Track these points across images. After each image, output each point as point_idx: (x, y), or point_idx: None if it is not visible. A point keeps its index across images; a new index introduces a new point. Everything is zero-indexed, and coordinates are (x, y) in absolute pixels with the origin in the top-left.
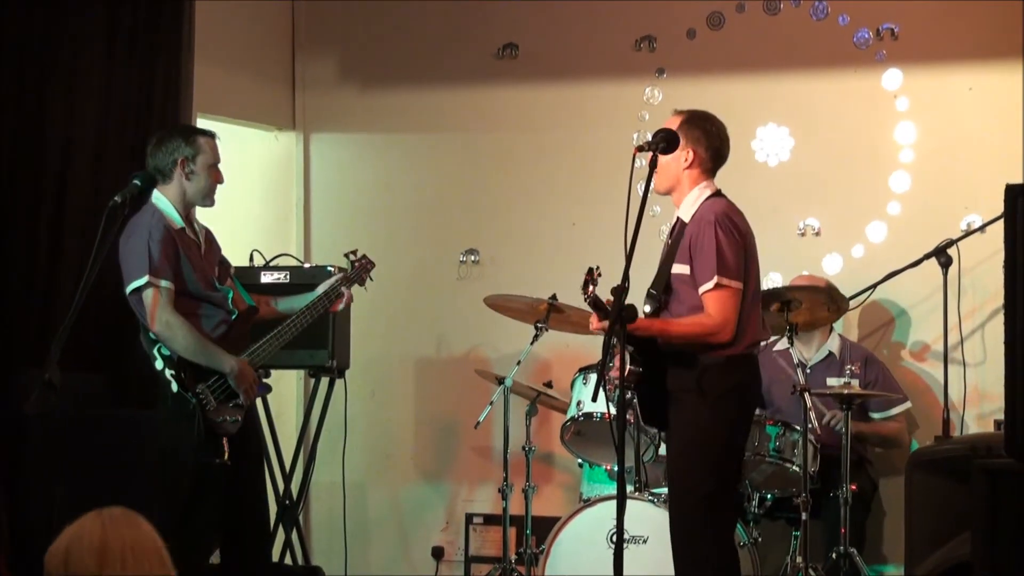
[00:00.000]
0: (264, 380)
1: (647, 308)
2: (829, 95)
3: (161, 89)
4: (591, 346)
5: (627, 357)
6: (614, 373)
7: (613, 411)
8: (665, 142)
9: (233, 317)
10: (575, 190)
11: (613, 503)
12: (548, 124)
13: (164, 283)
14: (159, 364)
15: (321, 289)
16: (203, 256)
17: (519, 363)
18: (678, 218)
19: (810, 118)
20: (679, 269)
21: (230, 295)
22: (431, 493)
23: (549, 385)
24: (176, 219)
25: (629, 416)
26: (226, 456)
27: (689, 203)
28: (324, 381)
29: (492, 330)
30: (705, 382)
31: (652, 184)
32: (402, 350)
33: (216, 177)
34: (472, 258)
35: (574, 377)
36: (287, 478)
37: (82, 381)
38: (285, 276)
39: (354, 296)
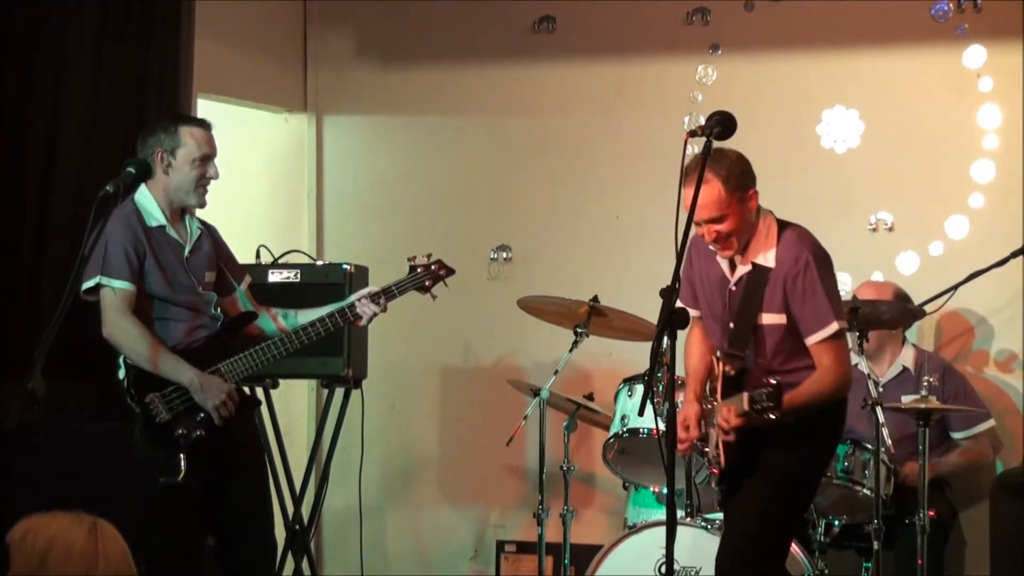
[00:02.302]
0: (251, 394)
1: (728, 371)
2: (903, 74)
3: (158, 66)
4: (637, 354)
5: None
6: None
7: (662, 427)
8: (721, 126)
9: (218, 324)
10: (619, 180)
11: (661, 530)
12: (589, 106)
13: (118, 283)
14: (121, 373)
15: (340, 305)
16: (188, 257)
17: (556, 372)
18: (753, 264)
19: (882, 100)
20: (772, 319)
21: (214, 299)
22: (457, 518)
23: (590, 397)
24: (155, 216)
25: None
26: (180, 476)
27: (761, 243)
28: (339, 392)
29: (526, 336)
30: (809, 425)
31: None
32: (425, 358)
33: (202, 172)
34: (504, 255)
35: (618, 388)
36: (297, 501)
37: (69, 391)
38: (295, 275)
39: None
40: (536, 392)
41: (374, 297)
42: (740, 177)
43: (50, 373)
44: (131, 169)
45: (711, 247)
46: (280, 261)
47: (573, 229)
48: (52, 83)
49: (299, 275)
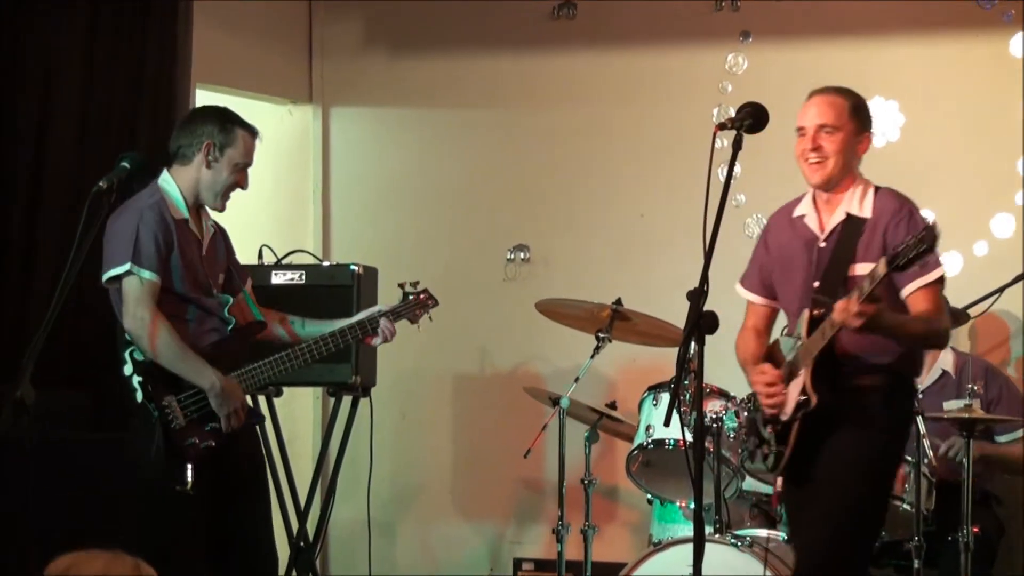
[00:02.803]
0: (255, 407)
1: (816, 313)
2: (946, 63)
3: (155, 55)
4: (663, 360)
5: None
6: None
7: (689, 437)
8: (752, 118)
9: (228, 328)
10: (643, 176)
11: (688, 547)
12: (611, 98)
13: (147, 274)
14: (128, 369)
15: (359, 317)
16: (204, 256)
17: (577, 380)
18: (848, 214)
19: (923, 91)
20: (867, 270)
21: (228, 303)
22: (472, 534)
23: (613, 406)
24: (181, 207)
25: (708, 444)
26: (188, 486)
27: (857, 195)
28: (346, 401)
29: (545, 341)
30: (890, 408)
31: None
32: (438, 364)
33: (238, 179)
34: (521, 255)
35: (642, 397)
36: (302, 516)
37: (61, 399)
38: (300, 276)
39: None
40: (555, 401)
41: (388, 315)
42: (865, 113)
43: (40, 380)
44: (126, 164)
45: (807, 159)
46: (284, 262)
47: (595, 228)
48: (42, 73)
49: (304, 276)
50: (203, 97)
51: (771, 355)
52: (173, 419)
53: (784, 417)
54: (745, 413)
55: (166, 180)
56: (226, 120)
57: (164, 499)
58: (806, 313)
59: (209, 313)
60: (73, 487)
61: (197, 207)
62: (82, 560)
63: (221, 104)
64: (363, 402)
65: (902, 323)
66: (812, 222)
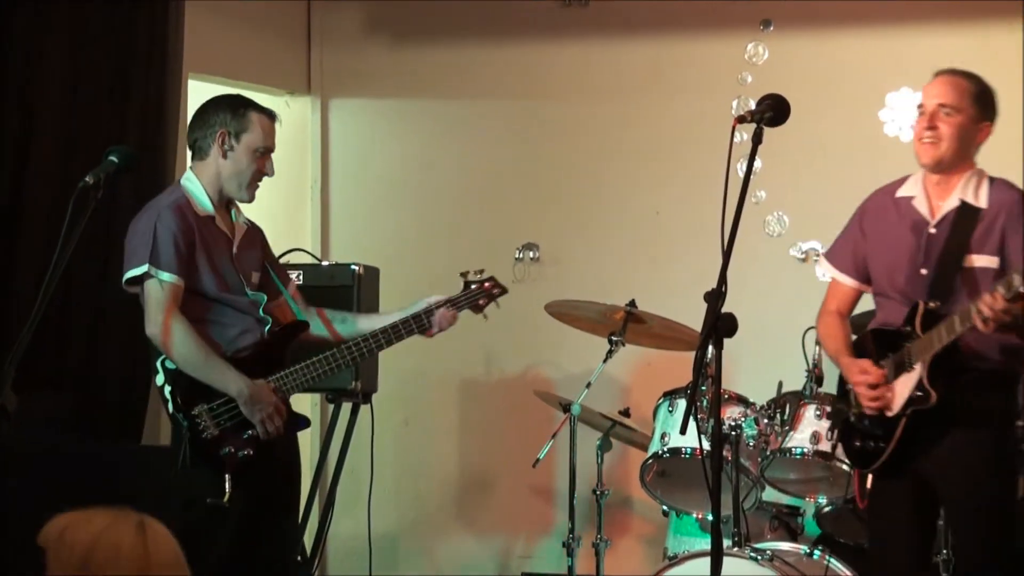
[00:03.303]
0: (301, 414)
1: (932, 306)
2: (977, 52)
3: (145, 44)
4: (678, 365)
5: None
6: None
7: (707, 446)
8: (773, 111)
9: (266, 329)
10: (659, 171)
11: (706, 561)
12: (625, 89)
13: (167, 276)
14: (160, 379)
15: (413, 309)
16: (235, 254)
17: (589, 385)
18: (962, 201)
19: None
20: (983, 262)
21: (263, 301)
22: (478, 547)
23: (626, 413)
24: (204, 204)
25: (726, 453)
26: (225, 497)
27: (972, 183)
28: (346, 407)
29: (555, 344)
30: (1008, 405)
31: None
32: (443, 369)
33: (260, 166)
34: (531, 255)
35: (658, 403)
36: (299, 529)
37: (45, 404)
38: (298, 276)
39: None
40: (566, 407)
41: (450, 306)
42: (989, 100)
43: (22, 386)
44: (113, 158)
45: (921, 138)
46: (280, 261)
47: (608, 226)
48: (24, 63)
49: (302, 277)
50: (195, 87)
51: (862, 346)
52: (204, 429)
53: (890, 413)
54: (827, 408)
55: (188, 177)
56: (238, 105)
57: (190, 512)
58: (920, 306)
59: (243, 313)
60: (58, 494)
61: (226, 202)
62: (78, 521)
63: (213, 94)
64: (364, 409)
65: None
66: (921, 205)
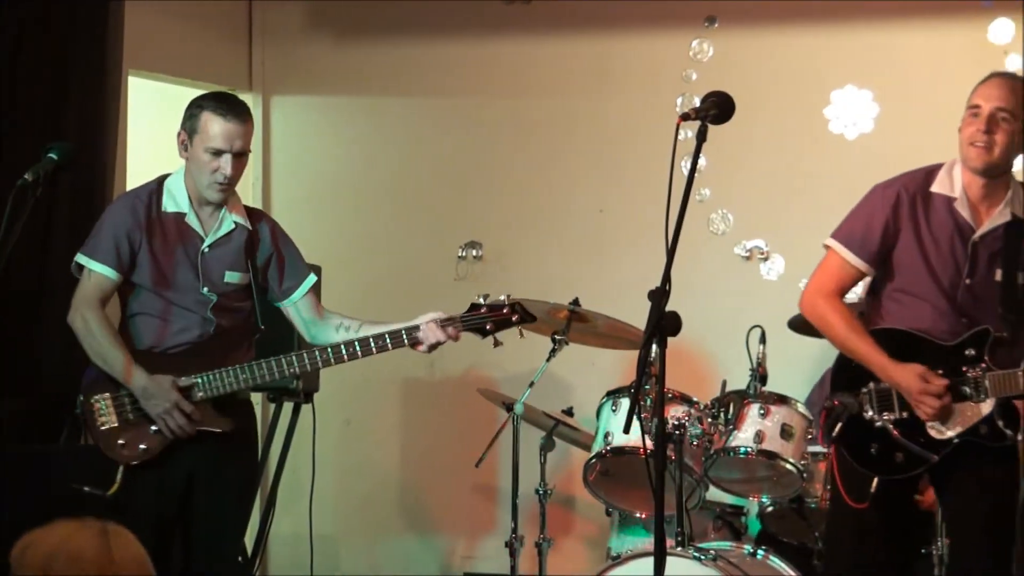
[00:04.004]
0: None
1: (1002, 335)
2: (922, 50)
3: (84, 40)
4: (622, 364)
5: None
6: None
7: (650, 445)
8: (717, 108)
9: (211, 329)
10: (603, 169)
11: (649, 561)
12: (569, 86)
13: (97, 267)
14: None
15: (406, 324)
16: (207, 253)
17: (532, 384)
18: (1014, 216)
19: (898, 79)
20: None
21: (214, 301)
22: (421, 548)
23: (570, 412)
24: (178, 201)
25: (670, 452)
26: (112, 489)
27: (1018, 196)
28: (287, 407)
29: None
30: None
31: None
32: (385, 368)
33: (213, 166)
34: (473, 253)
35: (601, 403)
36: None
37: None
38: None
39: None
40: (509, 406)
41: (444, 323)
42: None
43: None
44: (53, 155)
45: (973, 141)
46: None
47: (551, 224)
48: None
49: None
50: (135, 84)
51: (916, 350)
52: (103, 417)
53: (938, 435)
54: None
55: (176, 174)
56: (195, 104)
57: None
58: (989, 332)
59: (187, 311)
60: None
61: (203, 200)
62: (37, 537)
63: (156, 92)
64: (305, 408)
65: None
66: (964, 209)
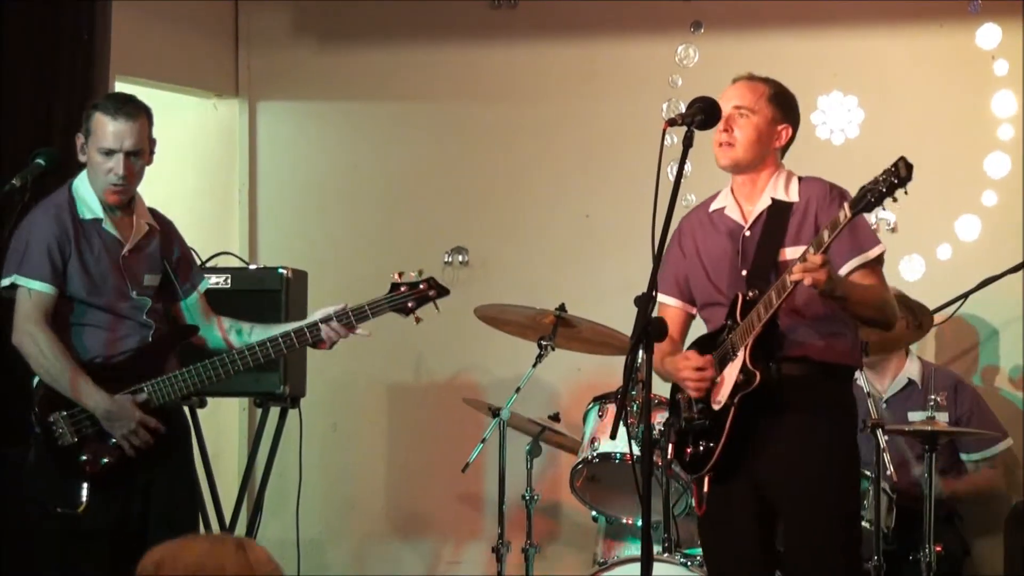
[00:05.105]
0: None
1: (750, 295)
2: (909, 56)
3: (69, 46)
4: (609, 369)
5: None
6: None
7: (637, 451)
8: (703, 114)
9: (151, 333)
10: (589, 174)
11: (636, 567)
12: (555, 92)
13: (36, 285)
14: (35, 381)
15: (306, 320)
16: (127, 256)
17: (518, 390)
18: (773, 199)
19: (885, 85)
20: (798, 253)
21: (146, 306)
22: (407, 553)
23: (556, 418)
24: (91, 207)
25: (656, 457)
26: (80, 507)
27: (781, 181)
28: (274, 412)
29: (484, 349)
30: (840, 396)
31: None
32: (371, 373)
33: (106, 166)
34: (459, 258)
35: (587, 408)
36: (227, 533)
37: None
38: (225, 280)
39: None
40: (495, 412)
41: (341, 317)
42: (787, 103)
43: None
44: (40, 161)
45: (718, 143)
46: (208, 265)
47: (537, 229)
48: None
49: (230, 280)
50: (122, 89)
51: (714, 345)
52: (60, 435)
53: (717, 405)
54: (659, 424)
55: (81, 179)
56: (90, 107)
57: (49, 524)
58: (739, 297)
59: (123, 318)
60: None
61: (116, 204)
62: (174, 552)
63: (143, 97)
64: (292, 413)
65: (857, 288)
66: (734, 212)
